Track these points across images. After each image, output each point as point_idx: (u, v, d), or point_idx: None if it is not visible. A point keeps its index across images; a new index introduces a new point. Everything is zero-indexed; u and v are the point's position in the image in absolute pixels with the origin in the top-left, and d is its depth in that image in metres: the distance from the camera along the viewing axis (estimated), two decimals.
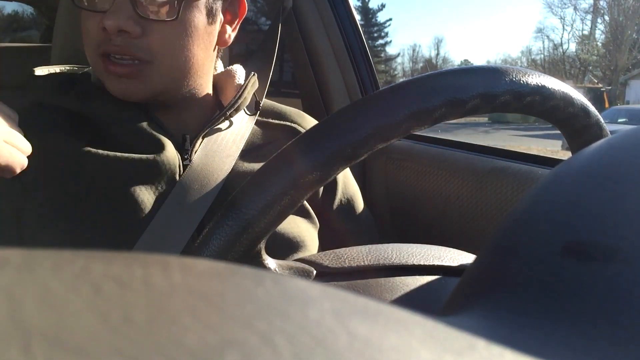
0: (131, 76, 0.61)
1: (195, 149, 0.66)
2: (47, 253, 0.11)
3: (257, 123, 0.75)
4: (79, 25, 0.81)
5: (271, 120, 0.76)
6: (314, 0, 1.14)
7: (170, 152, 0.63)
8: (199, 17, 0.64)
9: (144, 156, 0.61)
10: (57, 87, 0.67)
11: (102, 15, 0.59)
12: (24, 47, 1.24)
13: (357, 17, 1.20)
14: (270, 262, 0.41)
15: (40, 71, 0.70)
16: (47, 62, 0.79)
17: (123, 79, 0.61)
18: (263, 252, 0.39)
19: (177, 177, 0.63)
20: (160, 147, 0.62)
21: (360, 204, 0.82)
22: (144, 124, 0.63)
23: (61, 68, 0.73)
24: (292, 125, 0.76)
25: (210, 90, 0.72)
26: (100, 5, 0.60)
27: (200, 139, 0.67)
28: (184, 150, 0.65)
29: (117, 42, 0.59)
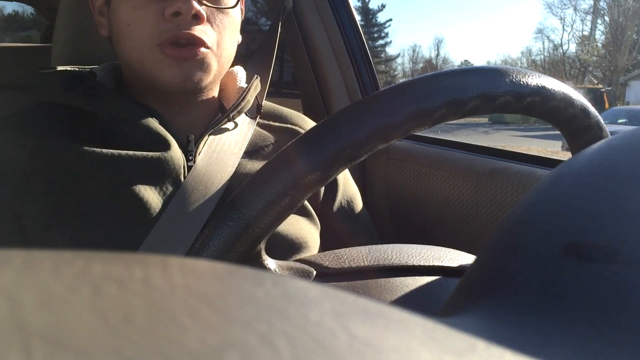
0: (194, 59, 0.62)
1: (199, 150, 0.66)
2: (47, 254, 0.11)
3: (259, 125, 0.75)
4: (80, 25, 0.81)
5: (272, 123, 0.76)
6: (314, 0, 1.14)
7: (176, 152, 0.63)
8: (238, 11, 0.68)
9: (149, 155, 0.61)
10: (62, 86, 0.67)
11: (163, 4, 0.60)
12: (24, 47, 1.24)
13: (357, 17, 1.20)
14: (270, 262, 0.41)
15: (46, 71, 0.70)
16: (47, 62, 0.79)
17: (187, 62, 0.61)
18: (263, 253, 0.39)
19: (182, 178, 0.63)
20: (167, 146, 0.62)
21: (359, 205, 0.82)
22: (150, 123, 0.63)
23: (66, 68, 0.73)
24: (294, 127, 0.76)
25: (217, 92, 0.73)
26: None
27: (203, 140, 0.67)
28: (188, 152, 0.65)
29: (186, 26, 0.60)
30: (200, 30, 0.61)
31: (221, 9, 0.64)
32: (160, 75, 0.62)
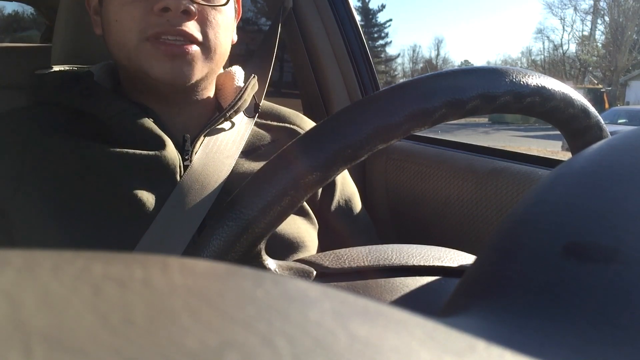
0: (184, 56, 0.61)
1: (195, 150, 0.66)
2: (47, 254, 0.11)
3: (257, 124, 0.75)
4: (80, 25, 0.81)
5: (270, 122, 0.76)
6: (314, 0, 1.14)
7: (171, 152, 0.63)
8: (232, 9, 0.68)
9: (145, 154, 0.61)
10: (59, 85, 0.67)
11: (153, 0, 0.60)
12: (24, 47, 1.24)
13: (357, 17, 1.20)
14: (270, 262, 0.41)
15: (43, 71, 0.70)
16: (47, 62, 0.79)
17: (175, 60, 0.61)
18: (263, 253, 0.39)
19: (178, 178, 0.63)
20: (162, 146, 0.62)
21: (358, 205, 0.82)
22: (146, 123, 0.63)
23: (63, 67, 0.73)
24: (292, 127, 0.76)
25: (212, 91, 0.72)
26: None
27: (200, 140, 0.67)
28: (184, 151, 0.65)
29: (176, 22, 0.60)
30: (190, 27, 0.61)
31: (213, 7, 0.64)
32: (150, 71, 0.62)
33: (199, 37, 0.62)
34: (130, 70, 0.65)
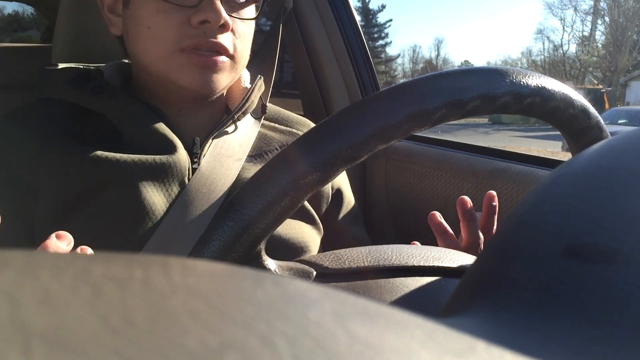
0: (215, 68, 0.62)
1: (203, 153, 0.66)
2: (47, 254, 0.11)
3: (264, 127, 0.75)
4: (80, 25, 0.81)
5: (278, 126, 0.76)
6: (314, 1, 1.14)
7: (182, 155, 0.63)
8: (253, 21, 0.69)
9: (156, 157, 0.61)
10: (69, 82, 0.66)
11: (190, 10, 0.60)
12: (24, 47, 1.24)
13: (357, 17, 1.20)
14: (270, 263, 0.41)
15: (51, 67, 0.70)
16: (47, 62, 0.79)
17: (205, 71, 0.62)
18: (263, 253, 0.39)
19: (186, 181, 0.62)
20: (173, 149, 0.62)
21: (359, 214, 0.83)
22: (157, 125, 0.63)
23: (72, 65, 0.72)
24: (299, 132, 0.76)
25: (224, 93, 0.73)
26: (190, 1, 0.60)
27: (208, 143, 0.67)
28: (193, 154, 0.65)
29: (212, 34, 0.61)
30: (224, 39, 0.62)
31: (243, 20, 0.65)
32: (179, 80, 0.62)
33: (231, 49, 0.63)
34: (154, 75, 0.64)
